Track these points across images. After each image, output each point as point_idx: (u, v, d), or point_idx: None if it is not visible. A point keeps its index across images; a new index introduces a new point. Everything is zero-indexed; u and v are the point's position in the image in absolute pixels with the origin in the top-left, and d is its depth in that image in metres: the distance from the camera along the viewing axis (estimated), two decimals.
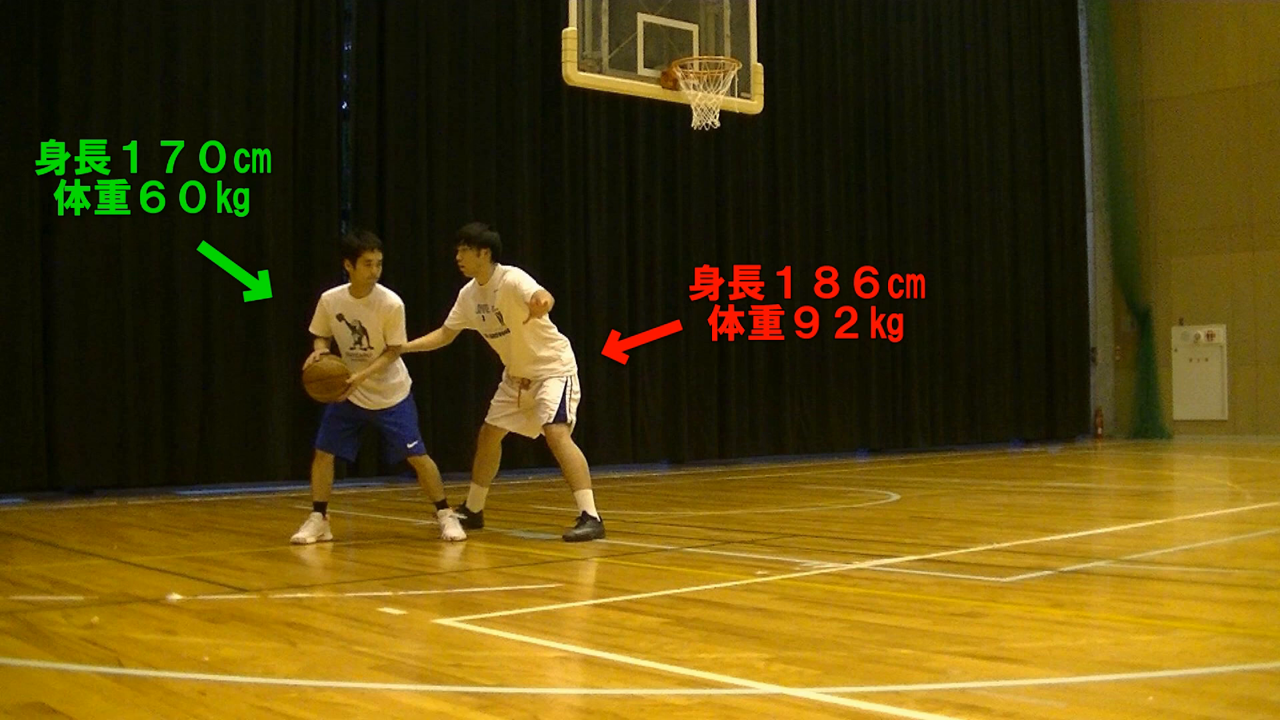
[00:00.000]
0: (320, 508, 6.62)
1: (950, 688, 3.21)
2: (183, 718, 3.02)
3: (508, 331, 6.84)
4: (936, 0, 17.30)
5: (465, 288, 7.05)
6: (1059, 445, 17.90)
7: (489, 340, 7.05)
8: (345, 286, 6.58)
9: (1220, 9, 18.59)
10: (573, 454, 6.68)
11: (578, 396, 6.92)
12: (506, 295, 6.74)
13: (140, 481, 9.99)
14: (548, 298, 6.54)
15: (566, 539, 6.51)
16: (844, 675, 3.37)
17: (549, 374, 6.80)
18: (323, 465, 6.63)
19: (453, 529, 6.65)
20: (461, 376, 11.53)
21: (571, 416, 6.82)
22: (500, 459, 7.27)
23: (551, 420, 6.70)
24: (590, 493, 6.69)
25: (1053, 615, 4.30)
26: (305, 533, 6.53)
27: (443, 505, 6.76)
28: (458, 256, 6.85)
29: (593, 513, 6.65)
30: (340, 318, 6.53)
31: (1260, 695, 3.21)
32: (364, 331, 6.52)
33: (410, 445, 6.67)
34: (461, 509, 7.06)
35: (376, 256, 6.50)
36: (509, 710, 3.05)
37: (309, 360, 6.44)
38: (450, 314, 7.15)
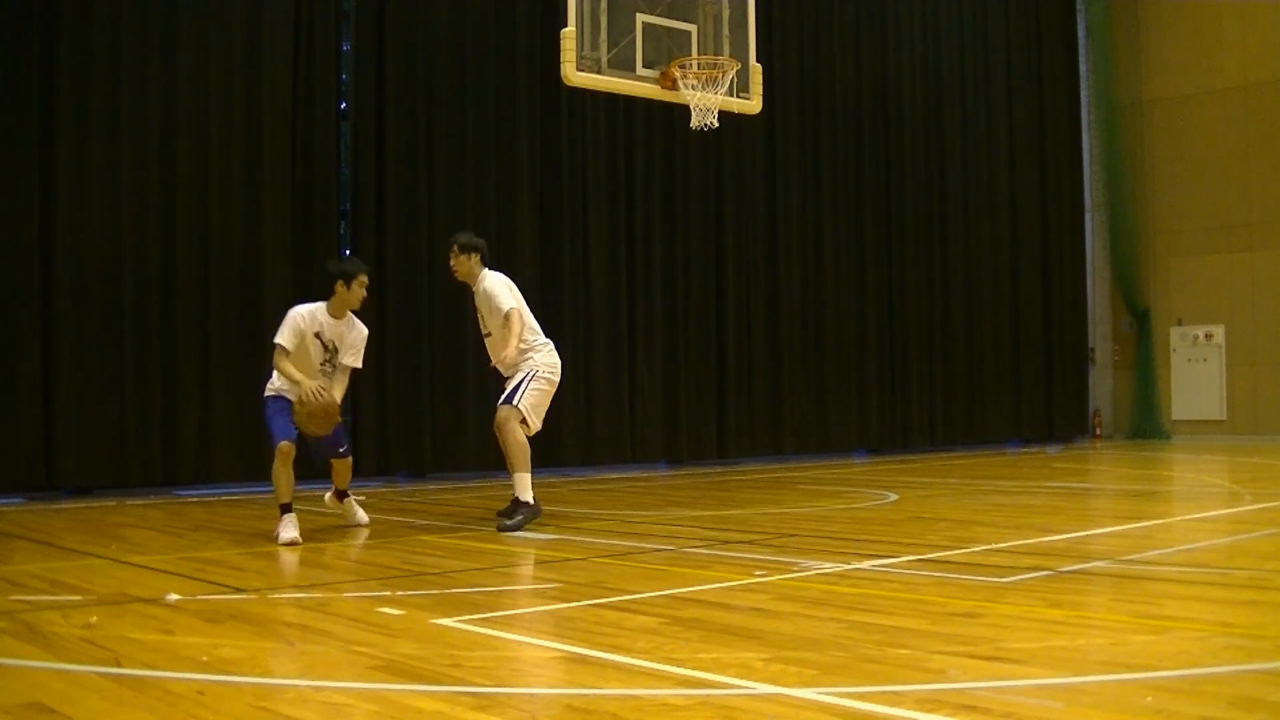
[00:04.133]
0: (288, 508, 6.64)
1: (949, 688, 3.21)
2: (181, 718, 3.02)
3: (490, 334, 7.39)
4: (935, 0, 17.31)
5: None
6: (1057, 446, 17.90)
7: (485, 340, 7.54)
8: (320, 306, 6.92)
9: (1220, 9, 18.60)
10: (516, 438, 7.07)
11: (540, 392, 7.22)
12: (483, 300, 7.34)
13: (139, 481, 9.99)
14: (512, 354, 7.08)
15: (500, 530, 6.93)
16: (842, 675, 3.37)
17: (522, 368, 7.27)
18: (288, 463, 6.65)
19: (360, 512, 7.36)
20: (461, 377, 11.54)
21: (525, 406, 7.12)
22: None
23: (501, 401, 7.17)
24: (529, 478, 7.11)
25: (1051, 615, 4.30)
26: (295, 531, 6.55)
27: (345, 495, 7.36)
28: (451, 264, 7.44)
29: (526, 498, 7.04)
30: (317, 335, 6.85)
31: (1259, 695, 3.21)
32: (335, 351, 6.91)
33: (342, 449, 7.15)
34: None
35: (367, 281, 7.00)
36: (507, 710, 3.05)
37: (313, 392, 6.58)
38: None
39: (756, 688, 3.25)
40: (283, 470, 6.62)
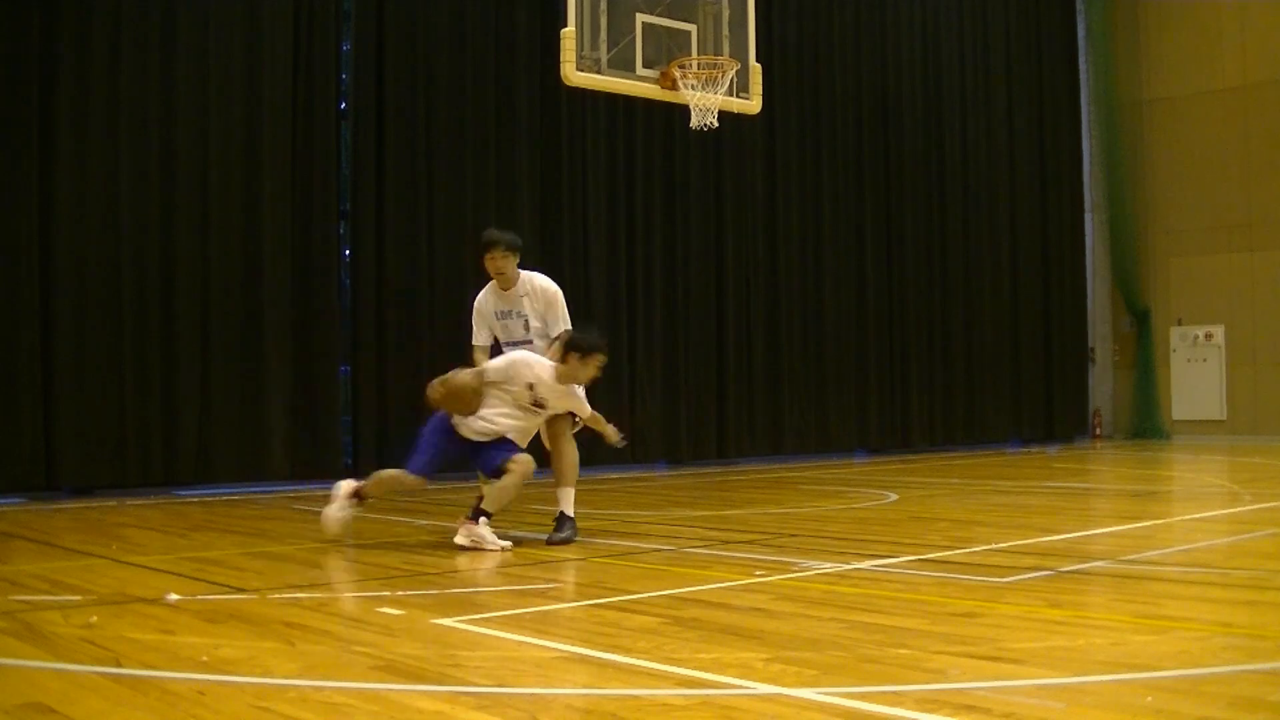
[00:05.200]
0: (363, 499, 6.48)
1: (949, 688, 3.21)
2: (181, 718, 3.02)
3: (530, 341, 6.69)
4: (935, 0, 17.32)
5: (479, 300, 6.85)
6: (1057, 445, 17.90)
7: (505, 349, 6.78)
8: (548, 365, 6.43)
9: (1219, 9, 18.60)
10: (574, 448, 6.75)
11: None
12: (532, 303, 6.69)
13: (139, 481, 9.99)
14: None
15: (550, 543, 6.43)
16: (842, 675, 3.37)
17: None
18: (405, 485, 6.41)
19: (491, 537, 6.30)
20: None
21: (588, 413, 6.74)
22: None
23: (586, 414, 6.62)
24: (573, 492, 6.74)
25: (1051, 615, 4.30)
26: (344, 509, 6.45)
27: (478, 515, 6.32)
28: (498, 264, 6.67)
29: (571, 513, 6.65)
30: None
31: (1259, 695, 3.21)
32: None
33: (489, 469, 6.35)
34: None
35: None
36: (507, 710, 3.05)
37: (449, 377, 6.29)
38: (475, 334, 6.86)
39: (756, 688, 3.25)
40: (394, 483, 6.46)
